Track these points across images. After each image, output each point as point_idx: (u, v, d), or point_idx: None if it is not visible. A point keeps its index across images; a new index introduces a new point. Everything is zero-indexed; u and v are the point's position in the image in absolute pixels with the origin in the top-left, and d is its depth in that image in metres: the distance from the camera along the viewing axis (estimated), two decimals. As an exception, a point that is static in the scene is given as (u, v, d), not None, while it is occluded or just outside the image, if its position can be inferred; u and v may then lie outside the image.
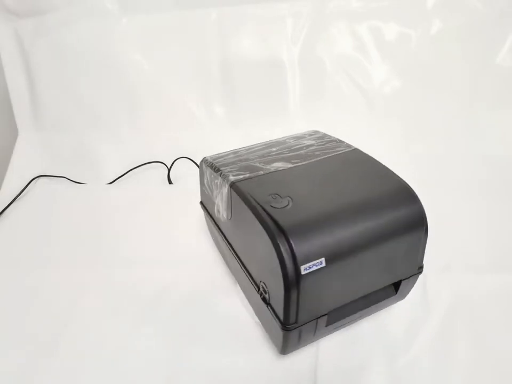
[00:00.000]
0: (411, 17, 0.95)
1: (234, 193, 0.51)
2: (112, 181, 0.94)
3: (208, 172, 0.59)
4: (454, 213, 0.78)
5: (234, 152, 0.62)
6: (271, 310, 0.47)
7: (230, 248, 0.58)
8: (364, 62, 0.98)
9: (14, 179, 0.94)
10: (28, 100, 1.01)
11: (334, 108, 1.01)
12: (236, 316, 0.60)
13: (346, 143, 0.61)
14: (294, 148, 0.61)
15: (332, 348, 0.55)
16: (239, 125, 1.00)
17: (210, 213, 0.64)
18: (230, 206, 0.53)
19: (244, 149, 0.63)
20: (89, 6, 0.94)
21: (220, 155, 0.61)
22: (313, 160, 0.56)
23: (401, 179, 0.52)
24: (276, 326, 0.46)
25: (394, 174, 0.53)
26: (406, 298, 0.61)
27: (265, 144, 0.64)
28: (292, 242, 0.42)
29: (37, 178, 0.94)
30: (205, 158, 0.62)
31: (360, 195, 0.48)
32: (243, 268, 0.54)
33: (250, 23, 0.96)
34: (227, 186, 0.52)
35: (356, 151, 0.59)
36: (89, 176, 0.96)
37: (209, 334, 0.58)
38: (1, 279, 0.68)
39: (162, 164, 0.97)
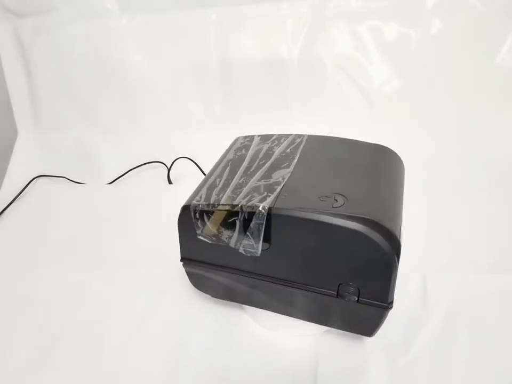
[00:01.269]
0: (411, 17, 0.95)
1: (277, 216, 0.48)
2: (112, 181, 0.94)
3: (204, 218, 0.51)
4: (454, 213, 0.78)
5: (209, 186, 0.54)
6: (365, 301, 0.49)
7: (265, 279, 0.53)
8: (364, 62, 0.98)
9: (14, 179, 0.94)
10: (28, 99, 1.01)
11: (334, 108, 1.01)
12: (235, 315, 0.60)
13: (291, 135, 0.64)
14: (263, 156, 0.59)
15: (332, 348, 0.55)
16: (239, 124, 1.00)
17: (209, 261, 0.56)
18: (270, 233, 0.49)
19: (211, 179, 0.56)
20: (89, 6, 0.94)
21: (197, 197, 0.53)
22: (296, 158, 0.57)
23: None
24: (370, 313, 0.50)
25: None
26: (406, 298, 0.61)
27: (226, 166, 0.59)
28: (387, 227, 0.46)
29: (36, 178, 0.94)
30: (186, 206, 0.52)
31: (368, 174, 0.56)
32: (301, 287, 0.52)
33: (250, 23, 0.96)
34: (262, 213, 0.48)
35: (312, 136, 0.63)
36: (89, 176, 0.96)
37: (209, 332, 0.58)
38: (0, 279, 0.68)
39: (162, 164, 0.97)
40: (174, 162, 0.95)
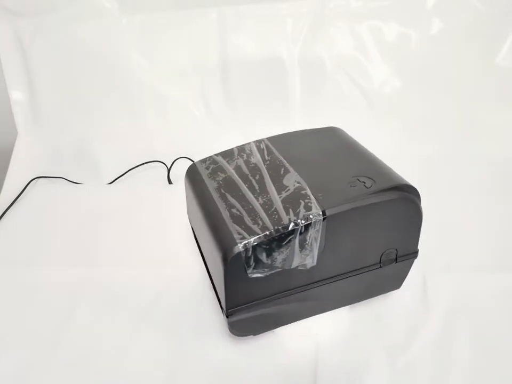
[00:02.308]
0: (411, 17, 0.95)
1: (331, 217, 0.47)
2: (112, 181, 0.94)
3: (257, 253, 0.46)
4: (454, 213, 0.78)
5: (235, 220, 0.49)
6: (401, 259, 0.55)
7: (318, 285, 0.53)
8: (364, 62, 0.98)
9: (14, 179, 0.94)
10: (28, 99, 1.01)
11: (334, 108, 1.01)
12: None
13: (249, 144, 0.64)
14: (250, 171, 0.57)
15: (332, 348, 0.55)
16: (239, 124, 1.00)
17: (260, 297, 0.50)
18: (323, 237, 0.48)
19: (225, 213, 0.51)
20: (89, 6, 0.94)
21: (235, 236, 0.46)
22: (285, 161, 0.57)
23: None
24: (403, 267, 0.57)
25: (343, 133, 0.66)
26: (406, 298, 0.61)
27: (223, 194, 0.54)
28: (410, 184, 0.53)
29: (36, 179, 0.94)
30: (232, 254, 0.45)
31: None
32: (350, 275, 0.54)
33: (250, 23, 0.96)
34: (319, 220, 0.46)
35: (270, 139, 0.64)
36: (89, 176, 0.96)
37: (208, 333, 0.58)
38: (0, 279, 0.68)
39: (162, 164, 0.97)
40: (174, 162, 0.95)
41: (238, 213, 0.49)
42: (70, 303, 0.63)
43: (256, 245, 0.45)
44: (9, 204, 0.85)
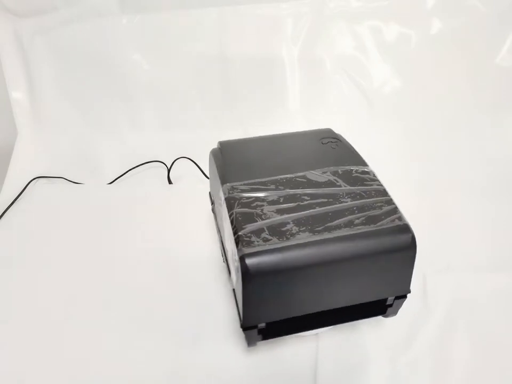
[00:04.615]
0: (411, 17, 0.95)
1: None
2: (112, 181, 0.94)
3: None
4: (454, 213, 0.78)
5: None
6: None
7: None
8: (364, 62, 0.98)
9: (14, 179, 0.94)
10: (28, 99, 1.01)
11: (334, 108, 1.01)
12: (234, 317, 0.60)
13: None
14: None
15: (332, 348, 0.55)
16: (239, 124, 1.00)
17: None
18: None
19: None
20: (89, 6, 0.94)
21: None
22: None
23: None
24: None
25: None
26: (406, 298, 0.61)
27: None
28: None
29: (36, 179, 0.94)
30: None
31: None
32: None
33: (250, 23, 0.96)
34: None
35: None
36: (89, 176, 0.96)
37: (209, 334, 0.58)
38: (0, 279, 0.68)
39: (162, 164, 0.97)
40: (174, 162, 0.95)
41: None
42: (70, 304, 0.63)
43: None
44: (9, 203, 0.85)
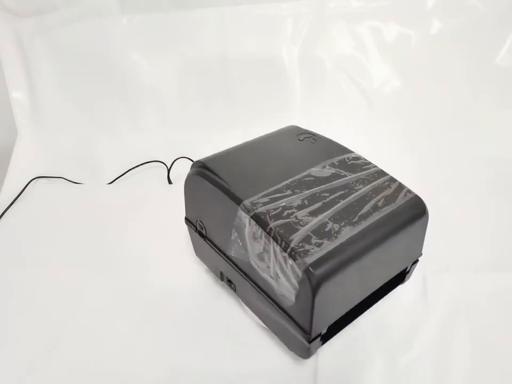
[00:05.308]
0: (411, 17, 0.95)
1: None
2: (112, 181, 0.94)
3: None
4: (454, 213, 0.78)
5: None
6: None
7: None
8: (364, 62, 0.98)
9: (14, 179, 0.94)
10: (28, 99, 1.01)
11: (334, 108, 1.01)
12: (234, 318, 0.60)
13: None
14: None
15: (332, 348, 0.55)
16: (239, 124, 1.00)
17: None
18: None
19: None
20: (89, 6, 0.94)
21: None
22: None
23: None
24: None
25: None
26: (406, 298, 0.61)
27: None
28: None
29: (36, 179, 0.94)
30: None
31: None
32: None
33: (250, 23, 0.96)
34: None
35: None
36: (89, 176, 0.96)
37: (209, 336, 0.58)
38: (0, 279, 0.68)
39: (162, 164, 0.97)
40: (174, 162, 0.95)
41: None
42: (70, 304, 0.63)
43: None
44: (9, 203, 0.85)
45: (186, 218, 0.63)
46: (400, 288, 0.61)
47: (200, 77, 0.99)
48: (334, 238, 0.46)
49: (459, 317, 0.58)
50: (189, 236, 0.69)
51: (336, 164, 0.57)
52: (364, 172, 0.56)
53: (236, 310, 0.60)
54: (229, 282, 0.58)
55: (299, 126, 0.68)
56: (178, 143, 0.99)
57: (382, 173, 0.57)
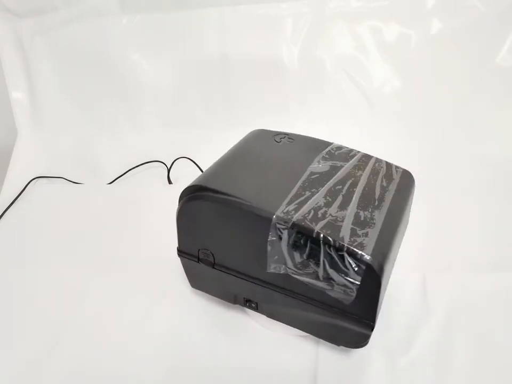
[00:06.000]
0: (411, 17, 0.95)
1: None
2: (112, 181, 0.94)
3: None
4: (454, 213, 0.78)
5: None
6: None
7: None
8: (364, 62, 0.98)
9: (14, 179, 0.94)
10: (28, 99, 1.01)
11: (334, 108, 1.01)
12: (236, 316, 0.60)
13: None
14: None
15: (332, 348, 0.55)
16: (239, 124, 1.00)
17: None
18: None
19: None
20: (89, 6, 0.94)
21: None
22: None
23: None
24: None
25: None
26: (406, 298, 0.61)
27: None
28: None
29: (36, 179, 0.94)
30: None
31: None
32: None
33: (250, 23, 0.96)
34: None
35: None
36: (89, 176, 0.96)
37: (209, 333, 0.58)
38: (0, 279, 0.68)
39: (162, 164, 0.97)
40: (174, 162, 0.95)
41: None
42: (70, 304, 0.63)
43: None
44: (9, 203, 0.85)
45: (180, 251, 0.58)
46: (400, 288, 0.61)
47: (200, 77, 0.99)
48: (373, 225, 0.47)
49: (459, 317, 0.58)
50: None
51: (327, 156, 0.58)
52: (354, 159, 0.58)
53: (238, 309, 0.60)
54: (248, 302, 0.56)
55: (264, 128, 0.66)
56: (178, 143, 0.99)
57: (368, 156, 0.59)
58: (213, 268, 0.55)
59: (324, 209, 0.48)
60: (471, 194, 0.83)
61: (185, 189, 0.53)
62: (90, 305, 0.63)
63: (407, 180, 0.57)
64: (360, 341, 0.51)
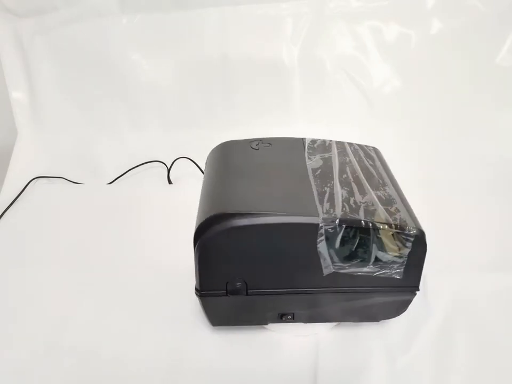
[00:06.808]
0: (411, 17, 0.95)
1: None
2: (111, 181, 0.94)
3: None
4: (454, 213, 0.78)
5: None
6: None
7: None
8: (364, 62, 0.98)
9: (14, 179, 0.94)
10: (28, 100, 1.01)
11: (334, 108, 1.01)
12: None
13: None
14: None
15: (332, 348, 0.55)
16: (239, 125, 1.00)
17: None
18: None
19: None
20: (89, 6, 0.94)
21: None
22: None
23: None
24: None
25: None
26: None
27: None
28: None
29: (36, 179, 0.94)
30: None
31: None
32: None
33: (250, 23, 0.96)
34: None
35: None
36: (88, 176, 0.96)
37: (209, 333, 0.58)
38: (0, 279, 0.68)
39: (162, 164, 0.97)
40: (174, 162, 0.95)
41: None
42: (70, 303, 0.63)
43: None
44: (9, 203, 0.85)
45: (201, 290, 0.52)
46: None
47: (200, 77, 0.99)
48: (394, 201, 0.51)
49: (459, 317, 0.58)
50: (188, 235, 0.69)
51: (312, 152, 0.60)
52: (332, 148, 0.61)
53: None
54: (283, 316, 0.54)
55: (234, 138, 0.66)
56: (178, 143, 0.99)
57: (341, 143, 0.63)
58: (246, 295, 0.51)
59: (353, 199, 0.50)
60: (471, 194, 0.83)
61: (201, 224, 0.48)
62: (90, 305, 0.63)
63: (379, 154, 0.63)
64: (401, 308, 0.54)
